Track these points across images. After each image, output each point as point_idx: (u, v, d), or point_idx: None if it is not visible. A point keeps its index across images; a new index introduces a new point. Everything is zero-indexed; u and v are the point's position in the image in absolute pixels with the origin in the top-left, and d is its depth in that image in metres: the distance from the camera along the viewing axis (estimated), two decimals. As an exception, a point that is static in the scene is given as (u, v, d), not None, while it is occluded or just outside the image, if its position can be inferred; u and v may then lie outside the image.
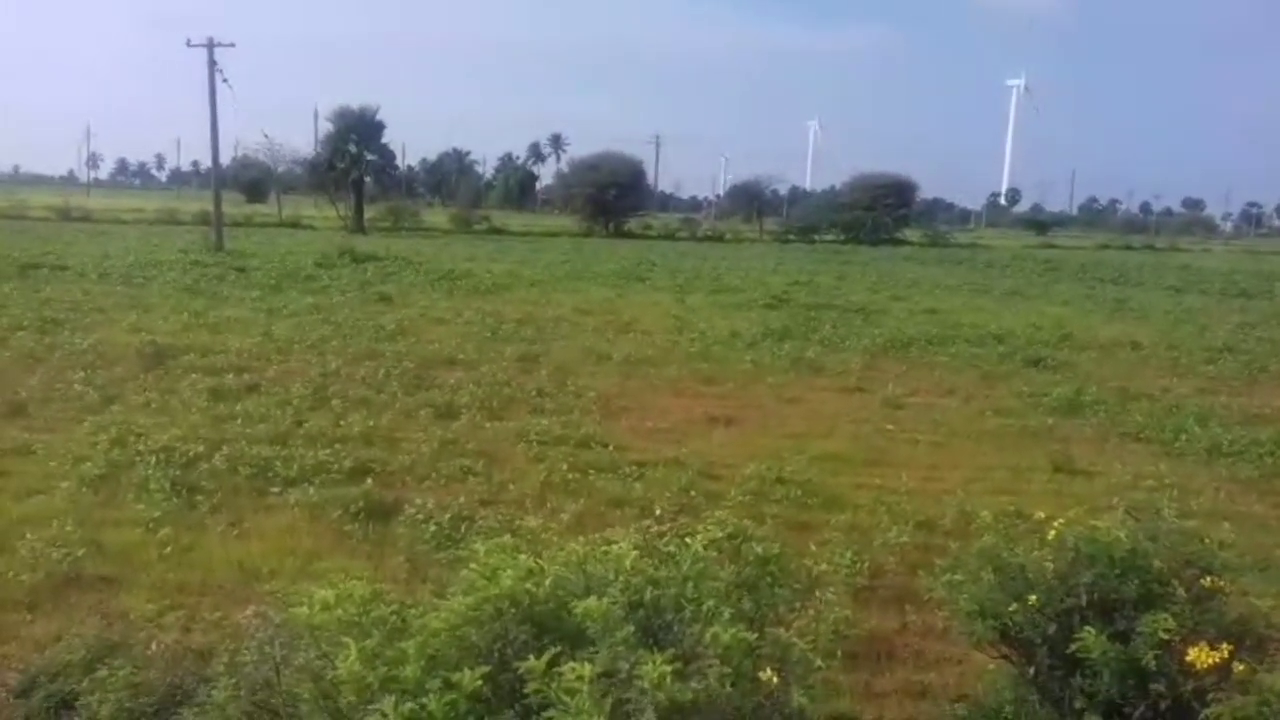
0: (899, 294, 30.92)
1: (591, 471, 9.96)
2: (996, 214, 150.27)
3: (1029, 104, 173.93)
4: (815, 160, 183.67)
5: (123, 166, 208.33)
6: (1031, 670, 4.38)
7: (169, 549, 7.58)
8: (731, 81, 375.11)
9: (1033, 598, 4.23)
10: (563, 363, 16.03)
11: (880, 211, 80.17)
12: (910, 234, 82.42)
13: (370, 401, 12.58)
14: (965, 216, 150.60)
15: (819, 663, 3.31)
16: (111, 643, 5.69)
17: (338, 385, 13.40)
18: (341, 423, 11.38)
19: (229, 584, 7.04)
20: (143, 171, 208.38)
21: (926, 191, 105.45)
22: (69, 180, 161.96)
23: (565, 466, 10.01)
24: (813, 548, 7.73)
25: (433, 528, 7.99)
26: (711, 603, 3.09)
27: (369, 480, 9.29)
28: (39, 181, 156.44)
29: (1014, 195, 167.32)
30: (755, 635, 3.09)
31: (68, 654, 5.58)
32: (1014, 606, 4.30)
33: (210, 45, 41.33)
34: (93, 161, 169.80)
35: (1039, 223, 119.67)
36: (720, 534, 3.48)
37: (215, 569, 7.30)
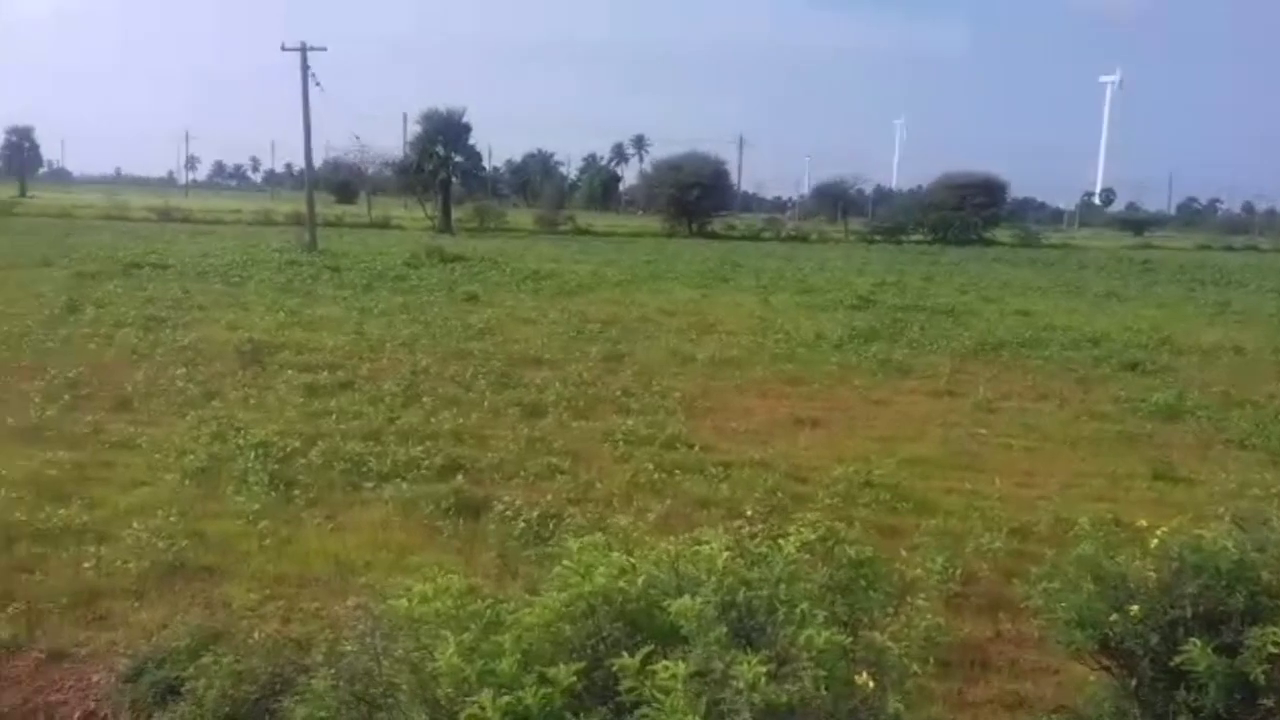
0: (989, 295, 30.32)
1: (677, 472, 9.98)
2: (1090, 214, 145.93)
3: (1122, 100, 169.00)
4: (901, 159, 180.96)
5: (219, 169, 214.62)
6: (1133, 682, 4.26)
7: (268, 541, 7.81)
8: (816, 81, 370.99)
9: (1135, 608, 4.11)
10: (647, 363, 16.08)
11: (969, 211, 78.59)
12: (1000, 234, 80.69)
13: (459, 399, 12.79)
14: (1058, 216, 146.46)
15: (915, 668, 3.27)
16: (215, 631, 5.89)
17: (428, 383, 13.65)
18: (432, 420, 11.59)
19: (325, 576, 7.22)
20: (238, 173, 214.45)
21: (1017, 191, 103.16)
22: (168, 182, 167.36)
23: (651, 466, 10.05)
24: (903, 553, 7.63)
25: (521, 525, 8.09)
26: (805, 605, 3.08)
27: (459, 477, 9.44)
28: (139, 183, 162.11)
29: (1109, 195, 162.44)
30: (850, 639, 3.07)
31: (173, 641, 5.78)
32: (1114, 616, 4.19)
33: (303, 49, 42.33)
34: (191, 164, 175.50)
35: (1135, 222, 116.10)
36: (812, 536, 3.46)
37: (312, 561, 7.49)
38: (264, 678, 5.02)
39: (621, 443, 11.04)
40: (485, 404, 12.61)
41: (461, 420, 11.62)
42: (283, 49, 42.66)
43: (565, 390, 13.45)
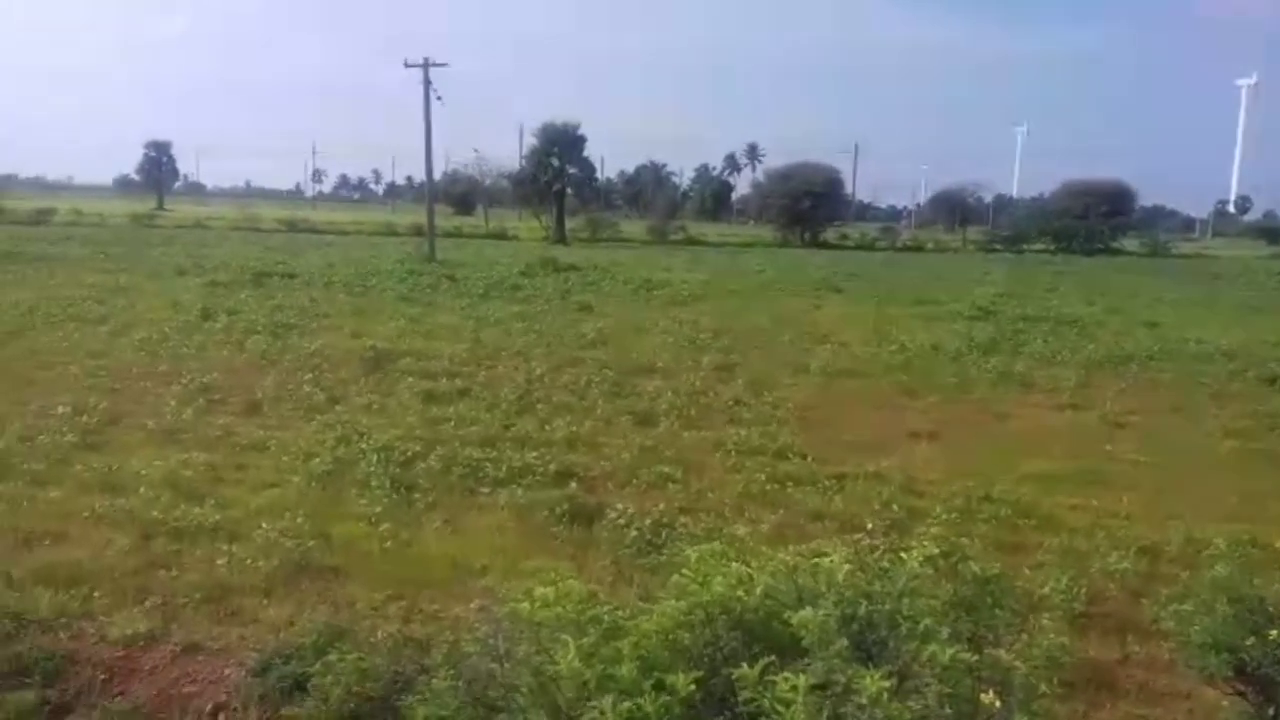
0: (1116, 306, 29.20)
1: (789, 483, 9.91)
2: (1224, 222, 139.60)
3: (1259, 104, 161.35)
4: (1022, 166, 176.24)
5: (344, 181, 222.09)
6: (1270, 710, 4.06)
7: (389, 543, 8.03)
8: (933, 88, 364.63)
9: (1274, 632, 3.94)
10: (759, 373, 15.99)
11: (1094, 220, 76.05)
12: (1127, 243, 77.73)
13: (573, 407, 12.93)
14: (1189, 225, 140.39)
15: (1043, 688, 3.18)
16: (339, 629, 6.08)
17: (542, 391, 13.84)
18: (546, 427, 11.74)
19: (444, 578, 7.38)
20: (361, 186, 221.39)
21: (1146, 198, 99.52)
22: (295, 194, 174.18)
23: (763, 477, 9.99)
24: (1025, 570, 7.41)
25: (634, 533, 8.14)
26: (929, 621, 3.01)
27: (572, 484, 9.55)
28: (269, 196, 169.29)
29: (1244, 202, 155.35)
30: (975, 656, 2.99)
31: (300, 638, 5.99)
32: (1252, 641, 4.02)
33: (425, 65, 43.42)
34: (317, 177, 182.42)
35: (1273, 231, 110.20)
36: (936, 551, 3.39)
37: (431, 564, 7.66)
38: (386, 676, 5.16)
39: (733, 453, 11.01)
40: (598, 412, 12.72)
41: (575, 428, 11.75)
42: (406, 65, 43.83)
43: (677, 399, 13.48)
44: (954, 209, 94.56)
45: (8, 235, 45.82)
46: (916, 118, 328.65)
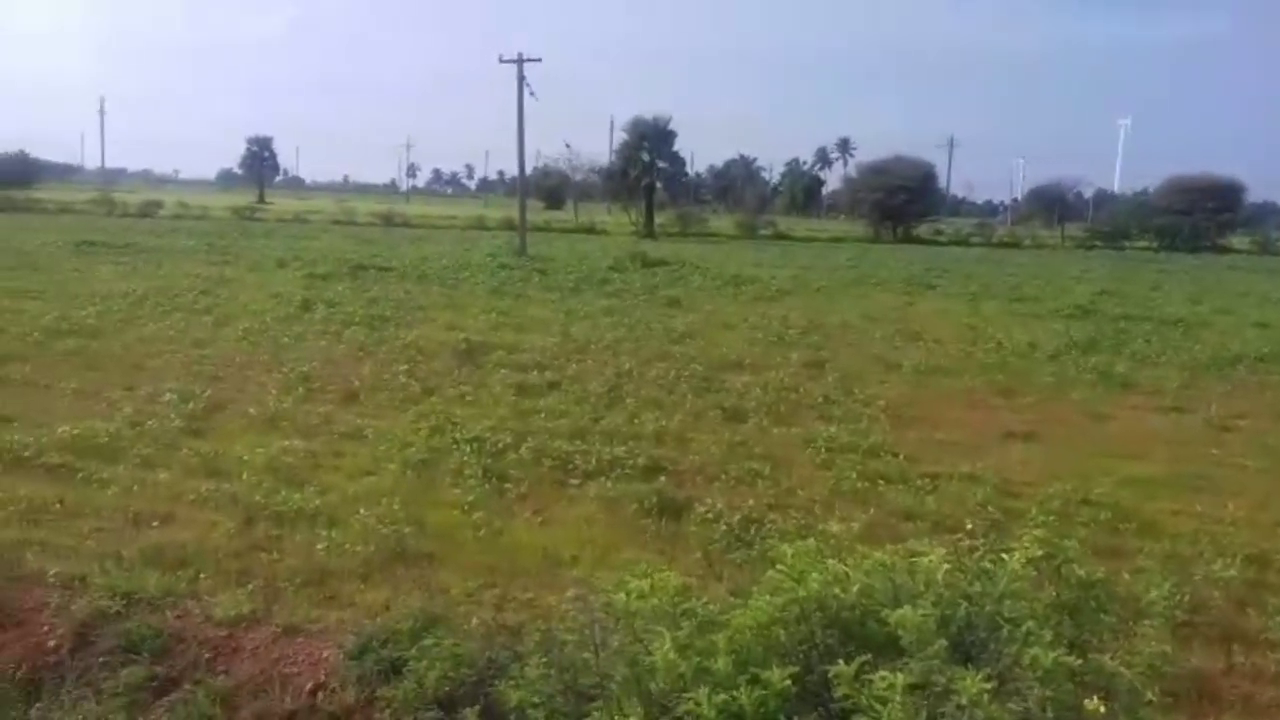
0: (1224, 306, 28.15)
1: (881, 481, 9.79)
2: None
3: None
4: (1124, 161, 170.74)
5: (437, 176, 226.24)
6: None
7: (481, 531, 8.16)
8: (1030, 80, 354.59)
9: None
10: (849, 370, 15.83)
11: (1200, 216, 73.29)
12: (1236, 241, 74.89)
13: (661, 402, 12.96)
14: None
15: (1150, 695, 3.10)
16: (434, 615, 6.19)
17: (631, 385, 13.90)
18: (635, 421, 11.79)
19: (534, 568, 7.47)
20: (454, 180, 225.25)
21: (1256, 194, 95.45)
22: (390, 189, 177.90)
23: (854, 475, 9.88)
24: (1125, 576, 7.21)
25: (723, 528, 8.14)
26: (1031, 624, 2.97)
27: (661, 478, 9.57)
28: (364, 190, 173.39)
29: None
30: (1078, 661, 2.93)
31: (396, 623, 6.12)
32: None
33: (519, 61, 43.82)
34: (411, 171, 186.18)
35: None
36: (1038, 553, 3.32)
37: (522, 553, 7.76)
38: (480, 662, 5.25)
39: (823, 450, 10.91)
40: (686, 407, 12.73)
41: (663, 422, 11.78)
42: (500, 60, 44.26)
43: (766, 395, 13.41)
44: (1052, 205, 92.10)
45: (119, 228, 47.78)
46: (1013, 110, 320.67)
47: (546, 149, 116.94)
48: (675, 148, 74.94)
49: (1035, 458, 11.12)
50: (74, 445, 10.06)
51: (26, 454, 9.70)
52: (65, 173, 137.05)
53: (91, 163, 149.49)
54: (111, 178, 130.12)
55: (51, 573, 6.99)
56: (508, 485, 9.36)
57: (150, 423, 11.08)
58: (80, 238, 36.84)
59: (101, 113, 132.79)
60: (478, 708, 4.90)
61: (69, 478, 9.21)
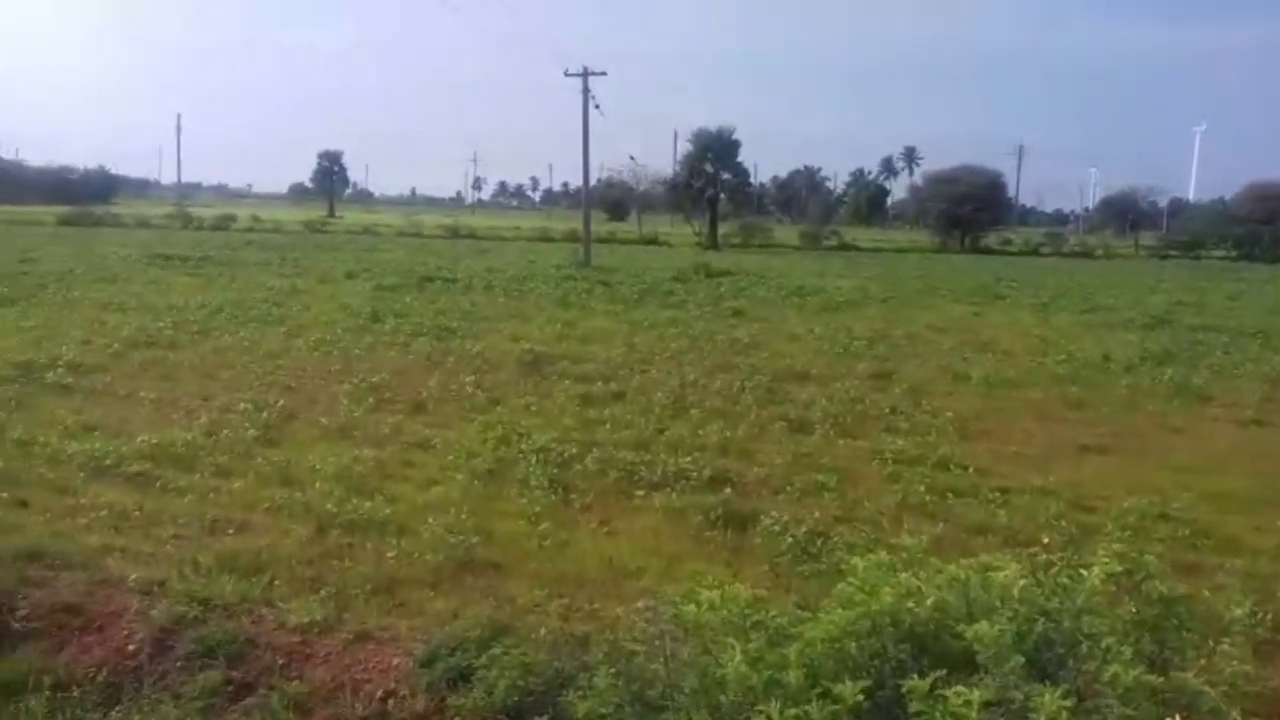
0: (1306, 316, 27.34)
1: (950, 495, 9.64)
2: None
3: None
4: (1200, 169, 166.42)
5: (502, 188, 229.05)
6: None
7: (547, 541, 8.19)
8: (1102, 87, 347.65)
9: None
10: (917, 381, 15.64)
11: (1281, 225, 71.34)
12: (1320, 250, 72.62)
13: (726, 413, 12.92)
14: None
15: (1234, 715, 3.01)
16: (502, 624, 6.24)
17: (695, 396, 13.88)
18: (699, 432, 11.77)
19: (601, 578, 7.48)
20: (519, 193, 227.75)
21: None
22: (456, 201, 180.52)
23: (922, 488, 9.76)
24: (1205, 593, 7.00)
25: (789, 540, 8.07)
26: (1111, 640, 2.90)
27: (726, 489, 9.53)
28: (431, 203, 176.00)
29: None
30: (1160, 679, 2.86)
31: (465, 631, 6.17)
32: None
33: (585, 74, 44.14)
34: (477, 184, 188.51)
35: None
36: (1118, 568, 3.25)
37: (587, 563, 7.78)
38: (548, 672, 5.27)
39: (890, 462, 10.78)
40: (751, 418, 12.67)
41: (728, 433, 11.74)
42: (566, 74, 44.66)
43: (832, 407, 13.30)
44: (1125, 213, 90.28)
45: (194, 241, 49.00)
46: (1084, 118, 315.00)
47: (611, 160, 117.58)
48: (739, 158, 74.87)
49: (1109, 471, 10.88)
50: (153, 454, 10.32)
51: (108, 462, 9.95)
52: (142, 187, 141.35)
53: (168, 177, 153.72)
54: (187, 192, 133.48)
55: (132, 578, 7.15)
56: (573, 495, 9.40)
57: (225, 432, 11.32)
58: (157, 251, 37.88)
59: (178, 128, 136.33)
60: (546, 717, 4.92)
61: (148, 485, 9.44)
